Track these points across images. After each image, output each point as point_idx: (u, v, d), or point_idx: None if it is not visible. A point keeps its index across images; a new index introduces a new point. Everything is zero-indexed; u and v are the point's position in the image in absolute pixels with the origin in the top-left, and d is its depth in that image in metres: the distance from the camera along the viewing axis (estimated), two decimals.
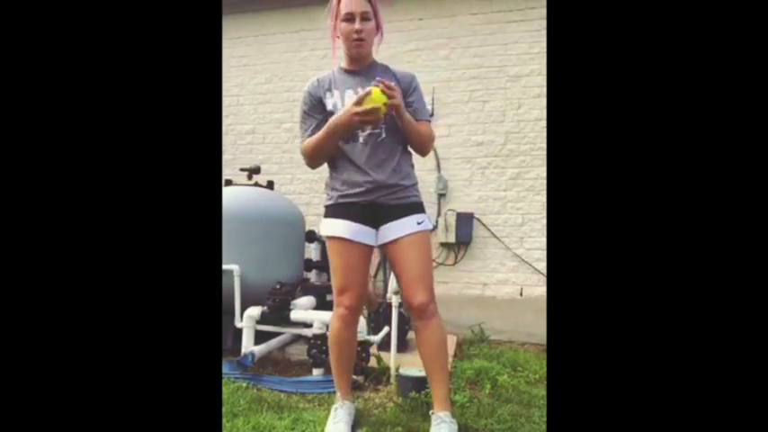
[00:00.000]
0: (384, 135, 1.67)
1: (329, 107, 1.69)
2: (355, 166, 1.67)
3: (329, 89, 1.71)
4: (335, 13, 1.68)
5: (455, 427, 1.63)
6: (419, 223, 1.69)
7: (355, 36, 1.63)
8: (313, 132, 1.69)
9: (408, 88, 1.72)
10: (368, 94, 1.52)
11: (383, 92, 1.54)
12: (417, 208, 1.71)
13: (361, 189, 1.66)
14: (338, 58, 1.77)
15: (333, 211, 1.72)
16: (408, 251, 1.67)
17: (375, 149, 1.66)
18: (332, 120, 1.60)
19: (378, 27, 1.71)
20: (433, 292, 1.70)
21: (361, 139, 1.67)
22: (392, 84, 1.58)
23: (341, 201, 1.70)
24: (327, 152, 1.69)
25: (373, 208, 1.68)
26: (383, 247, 1.73)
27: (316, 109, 1.71)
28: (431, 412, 1.69)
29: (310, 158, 1.71)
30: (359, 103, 1.52)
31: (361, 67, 1.73)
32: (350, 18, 1.62)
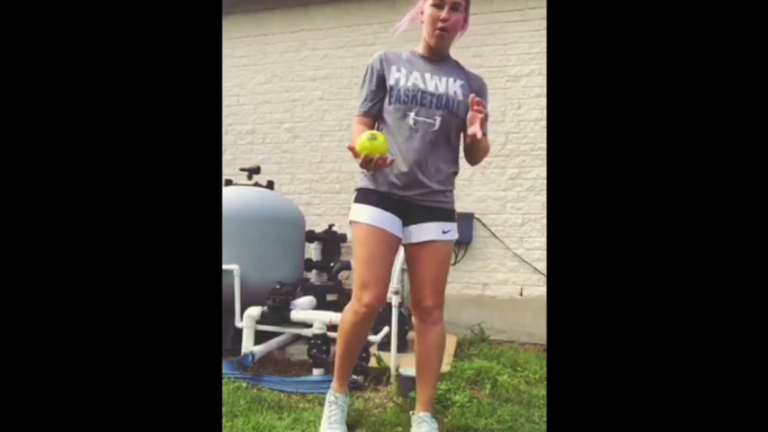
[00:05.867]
0: (437, 127, 1.56)
1: (390, 81, 1.60)
2: (397, 154, 1.55)
3: (395, 64, 1.61)
4: None
5: (435, 425, 1.65)
6: (445, 232, 1.61)
7: (440, 24, 1.53)
8: (366, 108, 1.63)
9: (479, 93, 1.58)
10: (372, 138, 1.40)
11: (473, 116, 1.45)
12: (448, 215, 1.63)
13: (397, 181, 1.56)
14: (403, 34, 1.67)
15: (363, 196, 1.62)
16: (427, 257, 1.61)
17: (422, 141, 1.55)
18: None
19: (465, 21, 1.61)
20: (443, 298, 1.65)
21: (411, 122, 1.55)
22: (478, 100, 1.48)
23: (373, 188, 1.61)
24: None
25: (405, 204, 1.59)
26: (404, 246, 1.66)
27: (374, 83, 1.63)
28: (411, 413, 1.71)
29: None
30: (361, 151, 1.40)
31: (436, 57, 1.64)
32: (439, 4, 1.52)
